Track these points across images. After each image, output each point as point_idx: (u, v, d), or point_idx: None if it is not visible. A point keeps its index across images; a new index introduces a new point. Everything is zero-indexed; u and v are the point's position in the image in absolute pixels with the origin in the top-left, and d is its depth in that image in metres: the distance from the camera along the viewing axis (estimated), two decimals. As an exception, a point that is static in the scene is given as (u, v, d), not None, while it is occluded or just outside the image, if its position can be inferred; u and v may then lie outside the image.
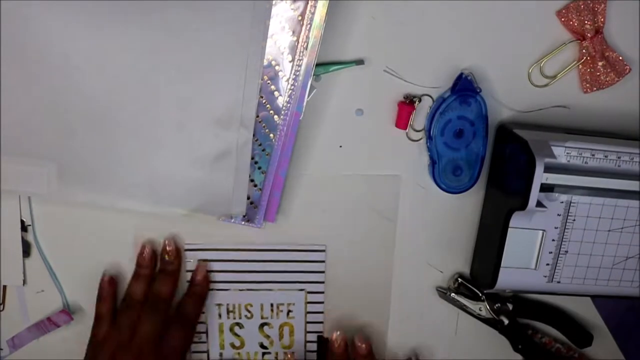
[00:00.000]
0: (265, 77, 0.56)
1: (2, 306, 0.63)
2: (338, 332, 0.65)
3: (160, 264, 0.64)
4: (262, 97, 0.56)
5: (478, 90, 0.58)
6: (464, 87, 0.58)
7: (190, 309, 0.64)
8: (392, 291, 0.68)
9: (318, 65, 0.58)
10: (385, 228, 0.65)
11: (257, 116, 0.57)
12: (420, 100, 0.60)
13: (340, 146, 0.62)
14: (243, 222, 0.61)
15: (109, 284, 0.63)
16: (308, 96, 0.59)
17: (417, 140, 0.62)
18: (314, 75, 0.58)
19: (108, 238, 0.63)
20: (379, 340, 0.69)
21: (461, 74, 0.59)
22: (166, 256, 0.63)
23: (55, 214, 0.62)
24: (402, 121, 0.61)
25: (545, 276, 0.61)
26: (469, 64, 0.60)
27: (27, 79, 0.52)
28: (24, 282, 0.63)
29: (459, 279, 0.66)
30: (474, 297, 0.66)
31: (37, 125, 0.54)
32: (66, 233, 0.63)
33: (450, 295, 0.66)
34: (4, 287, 0.63)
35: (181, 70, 0.53)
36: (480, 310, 0.66)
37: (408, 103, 0.60)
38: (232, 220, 0.60)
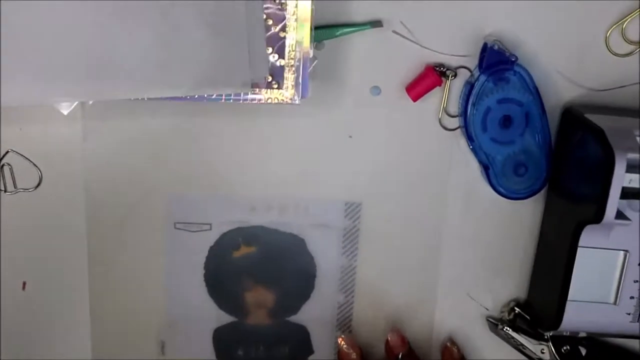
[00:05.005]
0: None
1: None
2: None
3: None
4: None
5: (513, 59, 0.53)
6: (494, 61, 0.53)
7: None
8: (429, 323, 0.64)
9: (319, 28, 0.53)
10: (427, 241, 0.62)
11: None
12: (455, 75, 0.55)
13: (350, 136, 0.58)
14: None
15: None
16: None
17: (454, 130, 0.57)
18: (314, 42, 0.52)
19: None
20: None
21: (485, 43, 0.54)
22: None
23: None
24: (415, 90, 0.54)
25: (629, 313, 0.57)
26: (524, 26, 0.55)
27: None
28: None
29: (516, 307, 0.62)
30: (535, 335, 0.61)
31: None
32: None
33: (503, 329, 0.62)
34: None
35: None
36: (543, 352, 0.61)
37: (438, 72, 0.54)
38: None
